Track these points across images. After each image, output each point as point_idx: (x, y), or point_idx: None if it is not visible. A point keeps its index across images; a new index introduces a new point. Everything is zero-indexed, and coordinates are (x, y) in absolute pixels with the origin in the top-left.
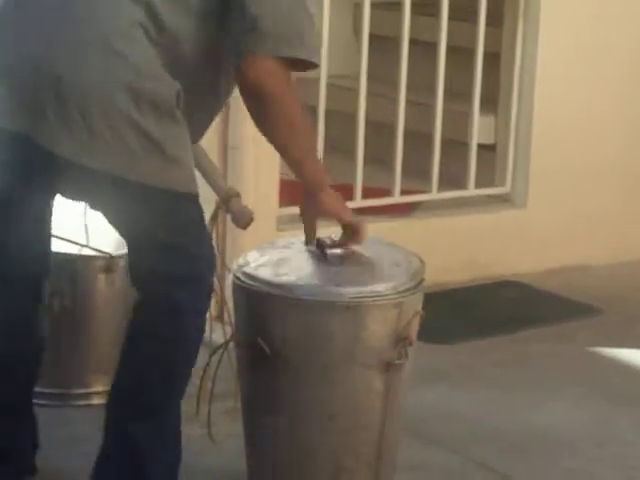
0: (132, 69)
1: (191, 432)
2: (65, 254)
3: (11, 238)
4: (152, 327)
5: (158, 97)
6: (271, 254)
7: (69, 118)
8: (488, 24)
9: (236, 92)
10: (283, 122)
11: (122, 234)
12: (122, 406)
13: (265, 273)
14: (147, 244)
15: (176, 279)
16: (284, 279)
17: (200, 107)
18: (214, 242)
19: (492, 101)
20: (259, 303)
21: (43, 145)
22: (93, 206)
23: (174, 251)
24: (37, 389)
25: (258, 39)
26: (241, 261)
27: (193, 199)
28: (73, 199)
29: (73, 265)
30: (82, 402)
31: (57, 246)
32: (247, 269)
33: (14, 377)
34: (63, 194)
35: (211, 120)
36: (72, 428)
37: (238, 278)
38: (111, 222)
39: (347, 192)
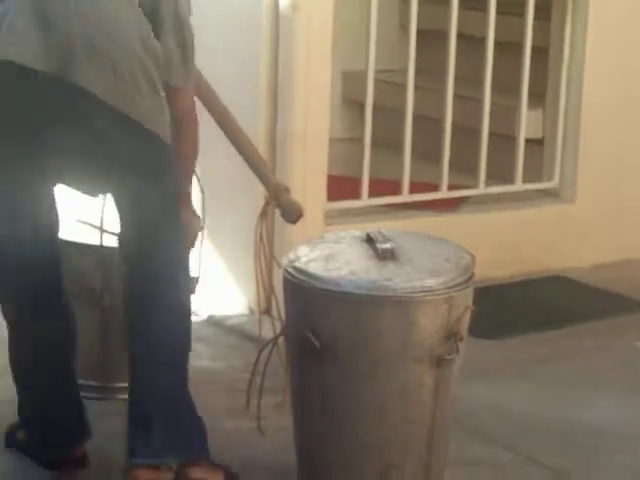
0: (145, 28)
1: (241, 425)
2: (114, 249)
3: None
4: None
5: (158, 55)
6: (321, 249)
7: (99, 62)
8: (536, 18)
9: (284, 87)
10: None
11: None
12: None
13: (316, 268)
14: (148, 190)
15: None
16: (335, 274)
17: None
18: (263, 237)
19: (540, 95)
20: (310, 298)
21: (75, 82)
22: (103, 152)
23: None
24: (86, 382)
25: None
26: (292, 256)
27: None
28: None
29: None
30: None
31: (107, 241)
32: (298, 264)
33: (53, 357)
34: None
35: None
36: (120, 421)
37: (289, 273)
38: (115, 172)
39: (394, 187)
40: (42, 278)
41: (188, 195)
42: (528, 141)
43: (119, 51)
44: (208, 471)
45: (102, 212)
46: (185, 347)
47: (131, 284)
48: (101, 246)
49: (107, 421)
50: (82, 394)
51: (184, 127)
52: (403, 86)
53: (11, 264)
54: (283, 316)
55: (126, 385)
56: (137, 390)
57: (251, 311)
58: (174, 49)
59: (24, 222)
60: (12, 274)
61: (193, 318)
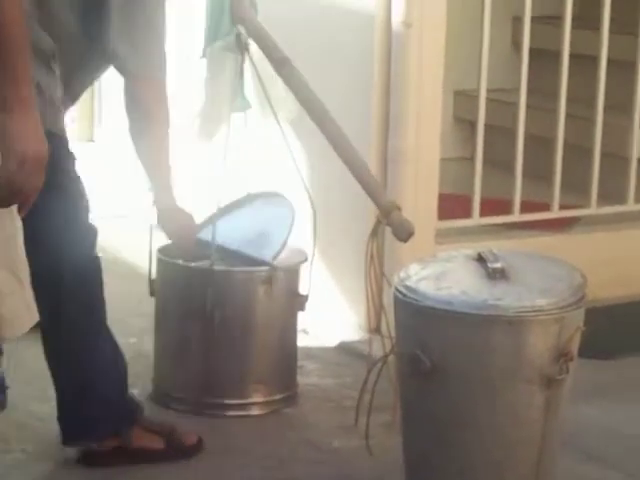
0: None
1: (349, 443)
2: (224, 271)
3: None
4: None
5: (37, 48)
6: (433, 267)
7: None
8: None
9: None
10: None
11: None
12: None
13: (427, 286)
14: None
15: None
16: (446, 292)
17: (73, 75)
18: (374, 255)
19: None
20: (420, 316)
21: None
22: None
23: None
24: (193, 398)
25: None
26: (402, 274)
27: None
28: None
29: (233, 276)
30: (240, 412)
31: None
32: (409, 282)
33: None
34: None
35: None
36: (230, 439)
37: (399, 291)
38: None
39: (505, 206)
40: None
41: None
42: None
43: None
44: None
45: (213, 233)
46: None
47: None
48: (211, 266)
49: (218, 440)
50: (186, 408)
51: None
52: (515, 105)
53: None
54: (393, 334)
55: (237, 402)
56: None
57: (359, 329)
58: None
59: None
60: None
61: (304, 336)
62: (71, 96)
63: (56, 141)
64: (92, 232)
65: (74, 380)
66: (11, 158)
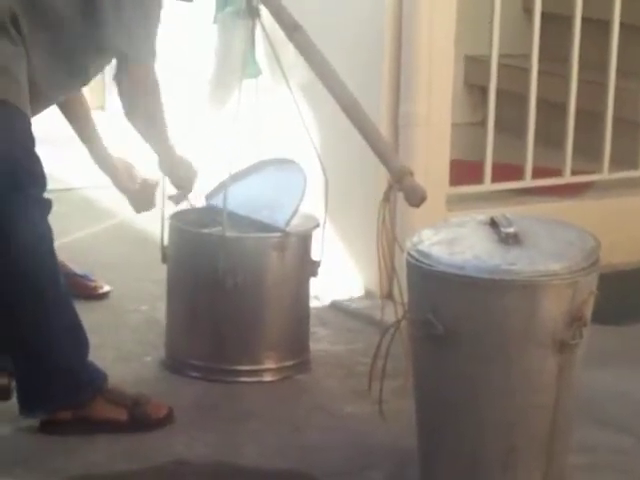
0: None
1: (362, 409)
2: (236, 237)
3: None
4: None
5: None
6: (445, 232)
7: None
8: None
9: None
10: None
11: None
12: None
13: (439, 251)
14: None
15: None
16: (458, 257)
17: (58, 58)
18: (386, 220)
19: None
20: (433, 281)
21: None
22: None
23: None
24: (206, 365)
25: None
26: (415, 239)
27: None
28: None
29: (246, 243)
30: (253, 378)
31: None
32: (421, 247)
33: None
34: None
35: (71, 84)
36: (242, 404)
37: (412, 256)
38: None
39: (516, 172)
40: None
41: None
42: None
43: None
44: None
45: (225, 199)
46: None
47: None
48: (223, 233)
49: (231, 405)
50: (199, 375)
51: None
52: (526, 70)
53: None
54: (405, 300)
55: (250, 368)
56: None
57: (371, 295)
58: None
59: None
60: None
61: (315, 303)
62: (79, 79)
63: (8, 111)
64: (45, 205)
65: (28, 350)
66: None
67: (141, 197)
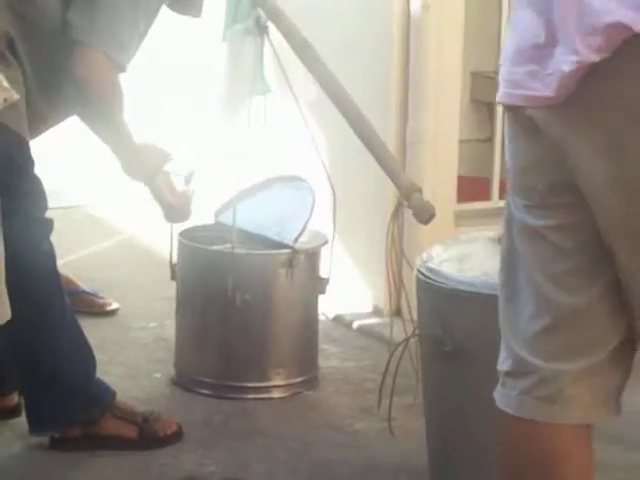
0: None
1: (371, 426)
2: (244, 254)
3: None
4: None
5: None
6: (455, 249)
7: None
8: None
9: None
10: None
11: None
12: None
13: (449, 268)
14: None
15: None
16: (468, 274)
17: (58, 72)
18: (395, 237)
19: None
20: (443, 298)
21: None
22: None
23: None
24: (215, 382)
25: None
26: (425, 256)
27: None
28: None
29: (255, 260)
30: (261, 395)
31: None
32: (431, 264)
33: None
34: None
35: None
36: (251, 421)
37: (422, 273)
38: None
39: None
40: None
41: None
42: None
43: None
44: None
45: (234, 217)
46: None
47: None
48: (232, 250)
49: (240, 422)
50: (208, 392)
51: None
52: None
53: None
54: (414, 317)
55: (258, 385)
56: None
57: (379, 311)
58: None
59: None
60: None
61: (324, 319)
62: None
63: (9, 137)
64: (47, 225)
65: (36, 370)
66: None
67: (178, 208)
